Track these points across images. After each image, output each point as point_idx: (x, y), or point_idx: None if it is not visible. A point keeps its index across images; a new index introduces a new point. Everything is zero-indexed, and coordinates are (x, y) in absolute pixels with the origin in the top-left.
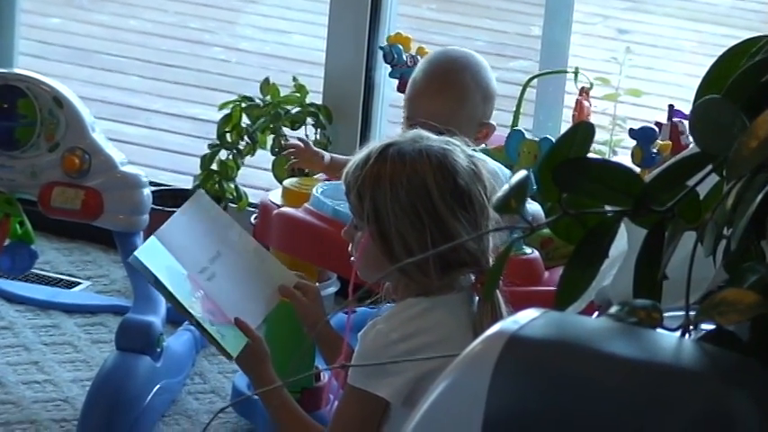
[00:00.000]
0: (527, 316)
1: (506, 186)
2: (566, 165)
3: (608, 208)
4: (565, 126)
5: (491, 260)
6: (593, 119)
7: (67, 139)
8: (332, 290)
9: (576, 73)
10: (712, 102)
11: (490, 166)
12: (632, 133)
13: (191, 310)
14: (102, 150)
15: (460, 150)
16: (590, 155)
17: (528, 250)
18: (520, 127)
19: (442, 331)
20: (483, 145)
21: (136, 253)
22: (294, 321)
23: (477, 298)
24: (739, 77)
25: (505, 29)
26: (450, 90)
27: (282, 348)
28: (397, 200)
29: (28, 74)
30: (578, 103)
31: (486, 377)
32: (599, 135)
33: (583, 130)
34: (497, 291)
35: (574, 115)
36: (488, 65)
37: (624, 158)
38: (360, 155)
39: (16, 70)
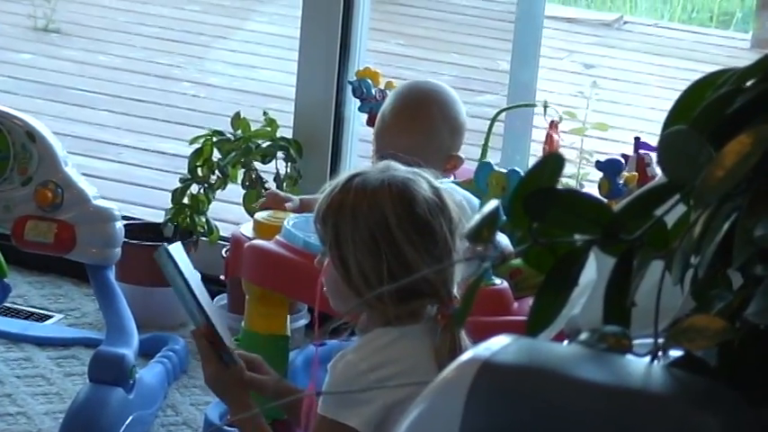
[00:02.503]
0: (499, 342)
1: (478, 216)
2: (536, 194)
3: (578, 237)
4: (532, 159)
5: (455, 291)
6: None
7: (40, 173)
8: (303, 322)
9: (545, 106)
10: (679, 132)
11: (459, 195)
12: (599, 165)
13: (208, 312)
14: (75, 184)
15: (425, 181)
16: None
17: (497, 281)
18: (488, 159)
19: (411, 361)
20: (452, 177)
21: (167, 246)
22: (267, 352)
23: (439, 329)
24: (705, 109)
25: (473, 63)
26: (418, 125)
27: None
28: (356, 228)
29: (0, 108)
30: (548, 136)
31: (460, 403)
32: (566, 169)
33: (553, 161)
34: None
35: (544, 148)
36: (458, 97)
37: (591, 191)
38: (330, 184)
39: None
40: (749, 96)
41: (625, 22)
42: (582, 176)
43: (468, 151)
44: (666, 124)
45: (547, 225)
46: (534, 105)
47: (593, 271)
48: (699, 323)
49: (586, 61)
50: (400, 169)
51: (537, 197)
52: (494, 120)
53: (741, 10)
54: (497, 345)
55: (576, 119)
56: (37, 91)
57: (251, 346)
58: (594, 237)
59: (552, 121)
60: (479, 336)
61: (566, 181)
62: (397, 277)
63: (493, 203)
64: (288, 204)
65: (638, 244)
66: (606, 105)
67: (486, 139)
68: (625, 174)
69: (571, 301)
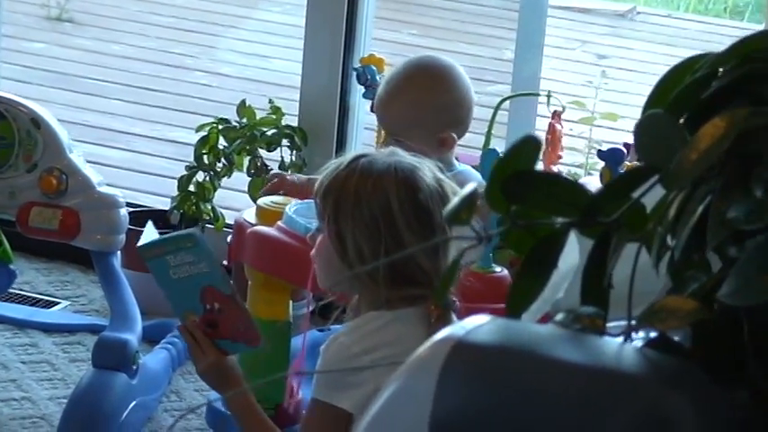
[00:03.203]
0: (474, 322)
1: (456, 198)
2: (514, 177)
3: (557, 219)
4: None
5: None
6: (568, 142)
7: (45, 160)
8: (311, 306)
9: (548, 96)
10: (654, 115)
11: (475, 178)
12: (601, 154)
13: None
14: (80, 171)
15: (429, 170)
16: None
17: (497, 268)
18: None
19: (404, 345)
20: (456, 161)
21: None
22: (269, 337)
23: (432, 318)
24: (681, 93)
25: (486, 54)
26: (399, 99)
27: (256, 365)
28: (358, 207)
29: (6, 95)
30: (551, 126)
31: (433, 381)
32: (575, 158)
33: (530, 144)
34: (453, 313)
35: (547, 138)
36: (459, 75)
37: (594, 180)
38: (334, 162)
39: None
40: (725, 81)
41: (638, 13)
42: (590, 166)
43: (474, 140)
44: (645, 108)
45: (525, 208)
46: (537, 95)
47: (577, 255)
48: (671, 304)
49: (599, 51)
50: (406, 156)
51: (514, 180)
52: (497, 109)
53: (755, 1)
54: (472, 324)
55: (585, 108)
56: (49, 80)
57: None
58: (572, 219)
59: (555, 111)
60: None
61: (574, 171)
62: (393, 260)
63: (471, 186)
64: (292, 177)
65: (616, 226)
66: (618, 96)
67: (489, 128)
68: (627, 163)
69: (556, 285)
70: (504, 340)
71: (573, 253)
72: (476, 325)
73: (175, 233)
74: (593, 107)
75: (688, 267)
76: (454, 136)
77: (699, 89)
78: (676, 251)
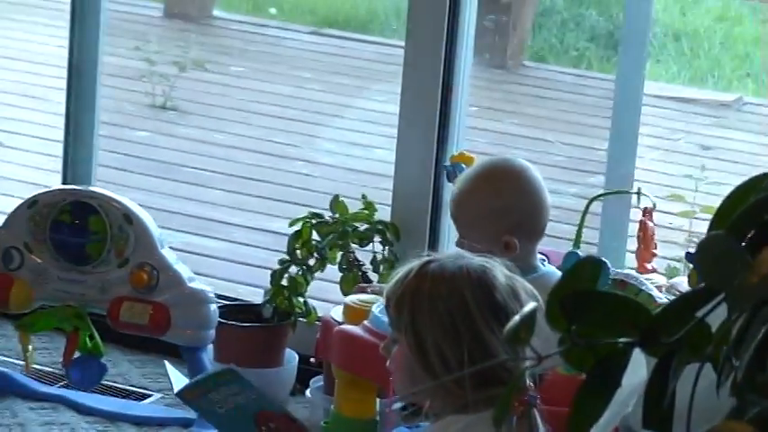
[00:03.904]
0: None
1: (516, 317)
2: (573, 296)
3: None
4: (630, 244)
5: (528, 380)
6: (667, 235)
7: (136, 255)
8: (397, 405)
9: (638, 194)
10: (716, 237)
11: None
12: (689, 256)
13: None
14: (170, 266)
15: (499, 269)
16: (657, 273)
17: None
18: (580, 246)
19: None
20: (543, 260)
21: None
22: None
23: (514, 417)
24: (743, 214)
25: (584, 144)
26: (464, 202)
27: None
28: (435, 312)
29: (99, 191)
30: (642, 223)
31: None
32: (674, 252)
33: (591, 265)
34: (535, 409)
35: (639, 236)
36: (526, 178)
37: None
38: (401, 270)
39: (90, 188)
40: None
41: (745, 103)
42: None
43: (568, 231)
44: (710, 228)
45: (585, 327)
46: (627, 193)
47: (645, 369)
48: (727, 429)
49: (703, 143)
50: (474, 257)
51: (573, 299)
52: (587, 208)
53: None
54: None
55: (684, 201)
56: (150, 168)
57: (340, 429)
58: (634, 339)
59: (646, 208)
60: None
61: (674, 265)
62: (478, 362)
63: (531, 305)
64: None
65: (678, 346)
66: (721, 188)
67: (580, 227)
68: None
69: (625, 400)
70: None
71: (641, 366)
72: None
73: (212, 371)
74: (693, 200)
75: (751, 390)
76: (516, 242)
77: (761, 210)
78: (739, 373)
